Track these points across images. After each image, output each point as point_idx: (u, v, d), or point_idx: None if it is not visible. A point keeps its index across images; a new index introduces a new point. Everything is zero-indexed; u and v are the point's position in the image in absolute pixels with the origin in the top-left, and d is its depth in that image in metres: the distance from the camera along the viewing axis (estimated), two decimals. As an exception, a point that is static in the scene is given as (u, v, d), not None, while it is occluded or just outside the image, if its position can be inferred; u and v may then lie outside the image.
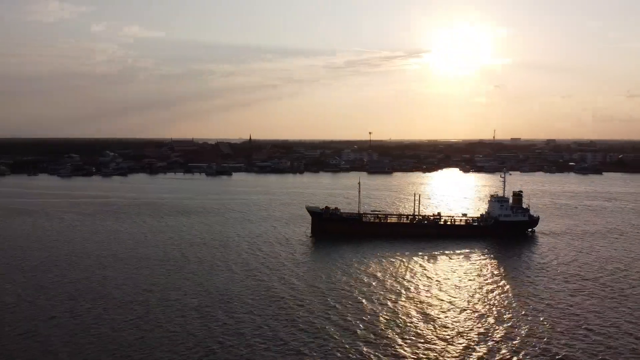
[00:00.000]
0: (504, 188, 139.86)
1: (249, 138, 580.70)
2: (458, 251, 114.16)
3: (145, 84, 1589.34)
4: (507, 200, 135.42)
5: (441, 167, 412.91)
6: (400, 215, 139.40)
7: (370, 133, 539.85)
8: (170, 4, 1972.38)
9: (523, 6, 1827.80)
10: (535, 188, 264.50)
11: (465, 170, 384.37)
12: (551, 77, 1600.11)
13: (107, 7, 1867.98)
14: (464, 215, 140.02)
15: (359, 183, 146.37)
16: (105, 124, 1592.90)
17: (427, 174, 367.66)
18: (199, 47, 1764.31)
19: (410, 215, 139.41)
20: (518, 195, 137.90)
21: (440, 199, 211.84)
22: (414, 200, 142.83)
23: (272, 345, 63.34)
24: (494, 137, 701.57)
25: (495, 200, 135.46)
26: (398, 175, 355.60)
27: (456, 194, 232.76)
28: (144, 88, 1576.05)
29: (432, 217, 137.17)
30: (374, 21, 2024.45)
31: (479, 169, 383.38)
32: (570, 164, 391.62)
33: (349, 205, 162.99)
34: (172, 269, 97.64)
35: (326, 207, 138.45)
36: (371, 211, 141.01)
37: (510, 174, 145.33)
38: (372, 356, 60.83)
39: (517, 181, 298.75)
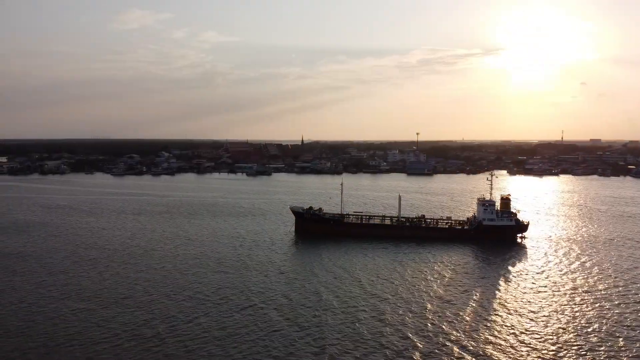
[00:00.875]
0: (491, 191, 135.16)
1: (301, 139, 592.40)
2: (430, 254, 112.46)
3: (221, 88, 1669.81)
4: (492, 204, 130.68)
5: (489, 169, 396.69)
6: (383, 217, 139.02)
7: (417, 134, 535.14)
8: (245, 10, 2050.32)
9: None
10: (571, 191, 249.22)
11: (512, 173, 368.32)
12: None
13: (186, 14, 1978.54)
14: (449, 218, 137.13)
15: (341, 184, 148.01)
16: (180, 126, 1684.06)
17: (470, 175, 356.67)
18: (273, 51, 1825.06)
19: (393, 217, 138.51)
20: (506, 200, 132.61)
21: (443, 202, 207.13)
22: (398, 202, 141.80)
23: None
24: (562, 137, 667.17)
25: (480, 203, 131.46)
26: (439, 177, 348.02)
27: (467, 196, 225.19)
28: (220, 91, 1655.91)
29: (415, 219, 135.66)
30: (449, 18, 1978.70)
31: (527, 172, 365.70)
32: (630, 167, 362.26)
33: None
34: (147, 262, 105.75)
35: (310, 207, 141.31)
36: (354, 212, 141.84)
37: (495, 178, 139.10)
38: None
39: (570, 183, 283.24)
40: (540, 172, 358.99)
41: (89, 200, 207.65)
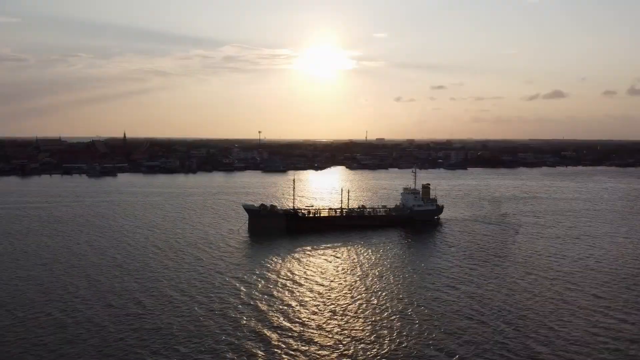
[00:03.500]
0: (415, 181, 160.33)
1: (123, 135, 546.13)
2: (382, 238, 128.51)
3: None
4: (418, 192, 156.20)
5: (330, 165, 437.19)
6: (330, 209, 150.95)
7: (260, 132, 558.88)
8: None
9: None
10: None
11: (351, 168, 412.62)
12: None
13: None
14: (384, 206, 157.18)
15: (293, 180, 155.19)
16: None
17: (320, 171, 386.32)
18: (60, 35, 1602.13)
19: (339, 208, 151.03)
20: (426, 187, 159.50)
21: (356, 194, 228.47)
22: (342, 195, 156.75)
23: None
24: (366, 137, 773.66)
25: (409, 192, 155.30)
26: (293, 173, 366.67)
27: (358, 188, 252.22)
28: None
29: (358, 209, 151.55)
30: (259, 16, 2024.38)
31: (363, 167, 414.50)
32: (439, 160, 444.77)
33: (279, 202, 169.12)
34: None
35: (262, 204, 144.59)
36: (305, 207, 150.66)
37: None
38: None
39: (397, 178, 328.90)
40: (374, 167, 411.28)
41: None
